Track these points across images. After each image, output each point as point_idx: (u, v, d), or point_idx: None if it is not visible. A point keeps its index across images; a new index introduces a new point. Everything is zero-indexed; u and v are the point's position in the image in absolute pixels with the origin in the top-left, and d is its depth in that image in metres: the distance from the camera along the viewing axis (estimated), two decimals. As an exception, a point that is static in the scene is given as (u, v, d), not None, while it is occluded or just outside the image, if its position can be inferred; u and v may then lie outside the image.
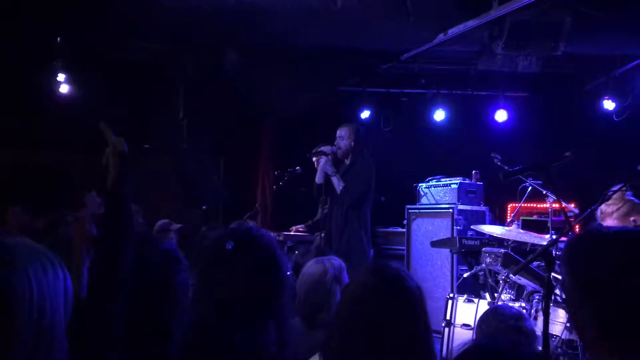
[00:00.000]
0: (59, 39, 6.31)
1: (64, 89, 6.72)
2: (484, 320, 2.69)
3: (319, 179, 5.44)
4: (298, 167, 5.77)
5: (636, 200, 4.12)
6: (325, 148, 5.41)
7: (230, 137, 7.70)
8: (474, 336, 2.73)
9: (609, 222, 4.03)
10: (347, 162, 5.49)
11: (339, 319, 1.67)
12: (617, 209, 3.99)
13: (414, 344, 1.58)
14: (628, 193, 4.12)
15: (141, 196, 6.98)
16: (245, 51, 6.24)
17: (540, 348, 2.78)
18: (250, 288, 1.74)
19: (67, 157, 7.83)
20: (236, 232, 1.86)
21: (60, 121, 7.09)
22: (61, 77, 6.64)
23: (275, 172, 6.28)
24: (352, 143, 5.38)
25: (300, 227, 6.56)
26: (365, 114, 7.71)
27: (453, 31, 5.72)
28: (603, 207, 3.90)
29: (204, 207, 7.14)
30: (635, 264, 1.41)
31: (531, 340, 2.63)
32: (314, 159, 5.53)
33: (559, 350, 3.88)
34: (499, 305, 3.99)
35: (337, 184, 5.31)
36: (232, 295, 1.72)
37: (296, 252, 5.72)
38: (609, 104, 7.03)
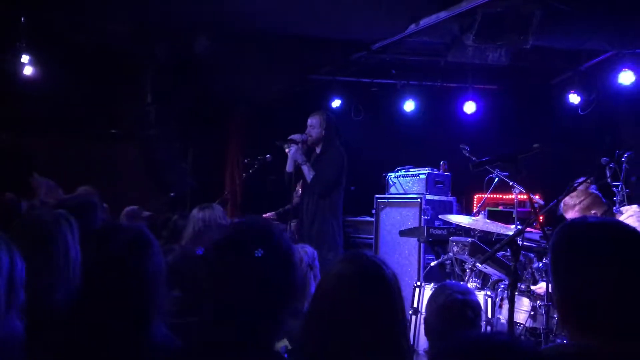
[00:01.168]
0: (23, 19, 6.12)
1: (28, 70, 6.53)
2: (433, 296, 2.73)
3: (289, 167, 5.43)
4: (268, 155, 5.74)
5: (599, 194, 4.22)
6: (296, 136, 5.39)
7: (199, 124, 7.62)
8: (425, 314, 2.76)
9: (571, 214, 4.13)
10: (318, 150, 5.49)
11: (315, 310, 1.66)
12: (580, 202, 4.08)
13: (392, 332, 1.59)
14: (592, 187, 4.21)
15: (107, 182, 6.91)
16: (217, 36, 6.16)
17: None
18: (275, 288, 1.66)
19: (28, 139, 7.66)
20: (258, 231, 1.74)
21: (23, 103, 6.91)
22: (25, 58, 6.45)
23: (245, 160, 6.24)
24: (323, 132, 5.38)
25: (271, 214, 6.54)
26: (336, 103, 7.71)
27: (425, 22, 5.74)
28: (566, 199, 3.98)
29: (171, 194, 7.06)
30: (603, 253, 1.46)
31: (477, 314, 2.68)
32: (285, 147, 5.51)
33: (523, 337, 3.97)
34: (448, 281, 4.06)
35: (308, 172, 5.31)
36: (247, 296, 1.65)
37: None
38: (574, 98, 7.16)
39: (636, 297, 1.45)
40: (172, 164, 7.50)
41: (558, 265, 1.54)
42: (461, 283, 3.99)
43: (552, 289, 1.70)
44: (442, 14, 5.51)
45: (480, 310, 2.78)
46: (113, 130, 8.04)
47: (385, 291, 1.61)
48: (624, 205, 4.29)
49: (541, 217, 3.82)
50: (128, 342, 1.73)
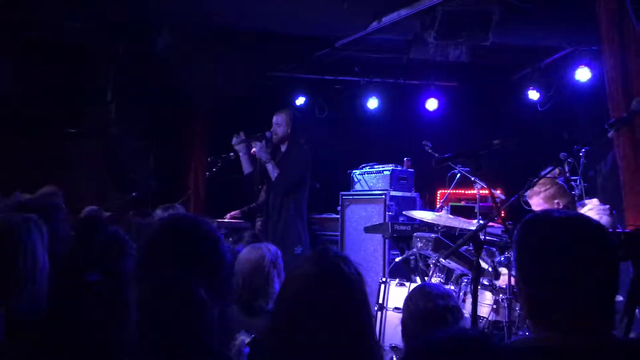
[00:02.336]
0: (-26, 15, 5.94)
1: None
2: (411, 299, 2.74)
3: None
4: (232, 153, 5.68)
5: (565, 185, 4.31)
6: (237, 140, 5.36)
7: (161, 122, 7.51)
8: (403, 316, 2.78)
9: (535, 200, 4.20)
10: (283, 148, 5.46)
11: (280, 309, 1.65)
12: (545, 190, 4.16)
13: (358, 329, 1.58)
14: (559, 178, 4.30)
15: (66, 182, 6.75)
16: (178, 33, 6.07)
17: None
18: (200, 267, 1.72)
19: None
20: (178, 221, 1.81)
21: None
22: (-23, 56, 6.26)
23: (209, 158, 6.18)
24: (289, 130, 5.36)
25: (236, 213, 6.49)
26: (300, 101, 7.70)
27: (387, 19, 5.77)
28: (535, 187, 4.05)
29: (133, 194, 6.94)
30: (566, 247, 1.48)
31: (457, 318, 2.71)
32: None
33: (486, 331, 4.02)
34: (426, 283, 4.08)
35: (272, 170, 5.28)
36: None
37: (230, 239, 5.66)
38: (533, 94, 7.30)
39: (598, 292, 1.48)
40: (134, 163, 7.37)
41: (522, 259, 1.55)
42: (440, 285, 4.02)
43: (515, 282, 1.73)
44: (403, 11, 5.56)
45: (460, 313, 2.81)
46: (72, 130, 7.85)
47: (348, 289, 1.60)
48: (583, 199, 4.39)
49: (502, 212, 3.89)
50: (105, 344, 1.69)
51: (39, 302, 1.84)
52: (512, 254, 1.61)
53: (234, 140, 5.41)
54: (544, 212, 1.65)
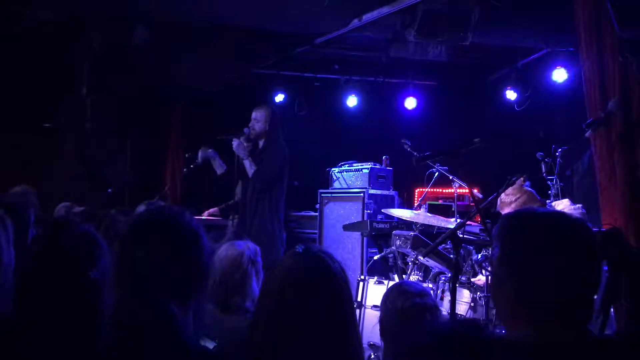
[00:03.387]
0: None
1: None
2: (389, 297, 2.74)
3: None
4: (210, 150, 5.64)
5: (533, 191, 4.36)
6: (203, 153, 5.38)
7: (138, 117, 7.42)
8: (380, 314, 2.78)
9: (507, 210, 4.24)
10: (261, 145, 5.43)
11: (263, 307, 1.63)
12: (516, 199, 4.21)
13: (341, 325, 1.57)
14: (526, 183, 4.34)
15: (41, 177, 6.63)
16: (155, 26, 5.99)
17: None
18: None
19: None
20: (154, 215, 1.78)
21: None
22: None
23: (186, 155, 6.12)
24: (267, 126, 5.33)
25: (214, 210, 6.43)
26: (279, 98, 7.67)
27: (367, 17, 5.77)
28: (502, 196, 4.09)
29: (109, 190, 6.84)
30: (551, 244, 1.49)
31: (435, 316, 2.72)
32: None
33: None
34: (403, 281, 4.09)
35: (249, 167, 5.25)
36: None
37: (210, 235, 5.61)
38: (511, 94, 7.36)
39: (580, 289, 1.48)
40: (110, 159, 7.27)
41: (505, 255, 1.55)
42: (417, 282, 4.03)
43: (491, 278, 1.72)
44: (385, 9, 5.56)
45: (438, 311, 2.82)
46: (47, 124, 7.71)
47: (332, 285, 1.60)
48: (558, 199, 4.44)
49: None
50: (79, 346, 1.64)
51: (5, 299, 1.79)
52: (493, 250, 1.60)
53: (201, 153, 5.43)
54: (528, 209, 1.66)
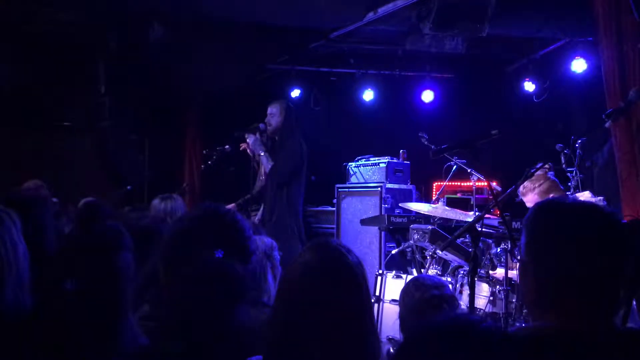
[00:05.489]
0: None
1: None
2: (407, 292, 2.74)
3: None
4: (227, 146, 5.65)
5: (556, 180, 4.32)
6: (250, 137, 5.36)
7: (156, 115, 7.46)
8: (400, 310, 2.77)
9: (530, 196, 4.22)
10: (277, 139, 5.43)
11: (281, 301, 1.63)
12: (539, 185, 4.18)
13: (359, 319, 1.57)
14: (550, 173, 4.31)
15: (61, 175, 6.71)
16: (172, 25, 6.02)
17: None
18: None
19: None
20: None
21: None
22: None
23: (204, 151, 6.14)
24: (283, 121, 5.32)
25: (231, 206, 6.45)
26: (295, 93, 7.67)
27: (383, 10, 5.74)
28: (526, 183, 4.06)
29: (128, 187, 6.90)
30: (585, 235, 1.48)
31: (453, 307, 2.71)
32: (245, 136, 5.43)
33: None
34: (419, 275, 4.08)
35: (266, 162, 5.26)
36: None
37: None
38: (529, 86, 7.29)
39: (607, 280, 1.47)
40: (128, 157, 7.34)
41: (533, 245, 1.54)
42: (433, 275, 4.02)
43: (518, 269, 1.72)
44: (400, 2, 5.52)
45: (455, 302, 2.81)
46: (66, 123, 7.80)
47: (350, 279, 1.59)
48: (578, 191, 4.39)
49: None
50: (100, 339, 1.66)
51: (23, 292, 1.82)
52: (522, 239, 1.59)
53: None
54: (558, 198, 1.65)
